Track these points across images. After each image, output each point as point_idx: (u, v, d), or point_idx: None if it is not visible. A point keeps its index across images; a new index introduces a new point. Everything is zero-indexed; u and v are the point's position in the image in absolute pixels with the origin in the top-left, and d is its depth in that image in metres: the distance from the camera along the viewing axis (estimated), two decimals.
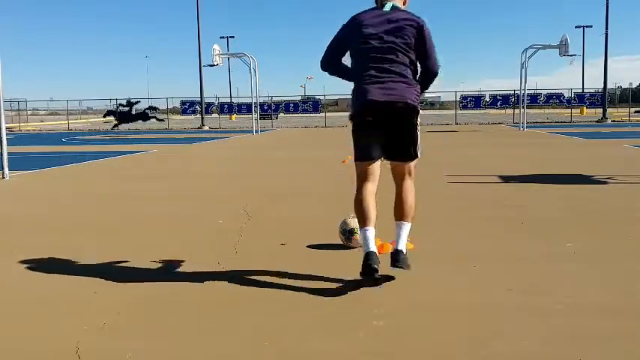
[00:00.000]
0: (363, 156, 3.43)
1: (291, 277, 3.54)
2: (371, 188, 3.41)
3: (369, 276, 3.20)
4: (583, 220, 5.19)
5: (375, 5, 3.56)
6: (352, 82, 3.51)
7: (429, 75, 3.52)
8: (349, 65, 3.60)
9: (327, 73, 3.65)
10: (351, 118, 3.47)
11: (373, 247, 3.27)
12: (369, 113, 3.37)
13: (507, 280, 3.42)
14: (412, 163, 3.45)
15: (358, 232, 3.84)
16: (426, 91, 3.66)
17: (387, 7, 3.47)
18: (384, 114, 3.35)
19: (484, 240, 4.45)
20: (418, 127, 3.45)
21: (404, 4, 3.59)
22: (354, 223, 4.05)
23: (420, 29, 3.41)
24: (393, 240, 4.05)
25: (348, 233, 4.12)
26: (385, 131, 3.40)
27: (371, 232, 3.30)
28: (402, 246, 3.34)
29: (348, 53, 3.58)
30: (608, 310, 2.91)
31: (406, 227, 3.41)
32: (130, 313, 2.96)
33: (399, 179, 3.48)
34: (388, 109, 3.33)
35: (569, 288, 3.24)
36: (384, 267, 3.26)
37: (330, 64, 3.61)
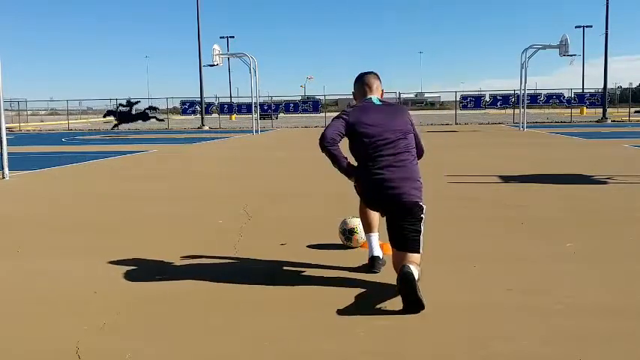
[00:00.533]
0: (368, 205, 3.54)
1: (291, 277, 3.54)
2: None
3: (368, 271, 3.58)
4: (583, 220, 5.19)
5: (364, 99, 3.55)
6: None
7: (419, 151, 3.52)
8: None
9: (324, 149, 3.43)
10: (358, 184, 3.45)
11: (378, 252, 3.62)
12: (373, 207, 3.48)
13: (507, 280, 3.42)
14: (417, 256, 3.21)
15: (358, 231, 3.90)
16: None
17: (376, 101, 3.52)
18: (389, 209, 3.32)
19: (484, 240, 4.45)
20: (424, 219, 3.31)
21: (381, 97, 3.63)
22: (353, 222, 4.09)
23: (409, 117, 3.50)
24: None
25: (347, 233, 4.15)
26: (384, 211, 3.38)
27: (375, 236, 3.62)
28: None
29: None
30: (608, 310, 2.91)
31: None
32: (130, 313, 2.96)
33: (399, 267, 3.14)
34: (394, 205, 3.28)
35: (569, 288, 3.24)
36: (388, 268, 3.25)
37: (334, 142, 3.41)
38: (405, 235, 3.21)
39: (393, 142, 3.34)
